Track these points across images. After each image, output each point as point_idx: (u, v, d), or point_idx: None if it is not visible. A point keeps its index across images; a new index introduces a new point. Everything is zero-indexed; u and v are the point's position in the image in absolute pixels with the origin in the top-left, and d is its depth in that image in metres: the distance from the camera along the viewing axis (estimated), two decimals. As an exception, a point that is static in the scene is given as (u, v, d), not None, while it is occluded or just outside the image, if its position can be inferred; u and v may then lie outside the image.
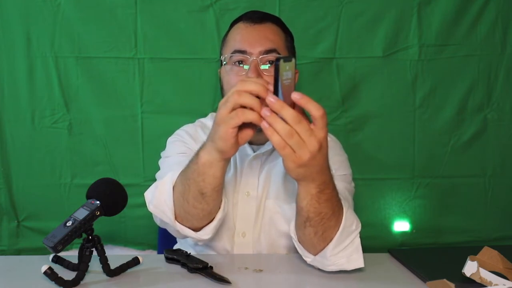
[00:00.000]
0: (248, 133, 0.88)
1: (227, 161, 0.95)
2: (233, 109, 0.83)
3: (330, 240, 0.95)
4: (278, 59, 0.78)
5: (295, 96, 0.78)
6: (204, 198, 0.98)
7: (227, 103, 0.84)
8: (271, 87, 0.80)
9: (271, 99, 0.78)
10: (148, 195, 1.08)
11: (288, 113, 0.78)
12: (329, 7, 1.68)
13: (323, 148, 0.82)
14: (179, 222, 1.03)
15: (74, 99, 1.68)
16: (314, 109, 0.79)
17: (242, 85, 0.83)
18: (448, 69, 1.73)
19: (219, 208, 1.04)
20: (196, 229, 1.04)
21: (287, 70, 0.78)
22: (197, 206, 0.99)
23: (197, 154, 0.96)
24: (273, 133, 0.79)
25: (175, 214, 1.03)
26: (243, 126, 0.86)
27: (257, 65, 1.16)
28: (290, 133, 0.79)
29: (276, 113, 0.79)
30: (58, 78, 1.66)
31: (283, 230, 1.16)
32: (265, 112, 0.79)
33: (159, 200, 1.04)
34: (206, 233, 1.04)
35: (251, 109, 0.82)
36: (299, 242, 1.01)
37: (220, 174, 0.95)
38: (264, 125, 0.80)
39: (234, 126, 0.85)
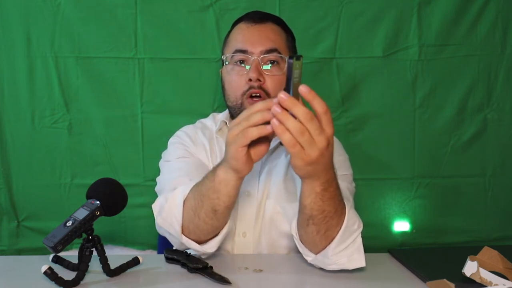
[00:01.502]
0: (261, 149, 0.88)
1: (242, 180, 0.95)
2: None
3: (332, 239, 0.96)
4: (291, 57, 0.77)
5: (303, 89, 0.77)
6: (216, 215, 0.99)
7: (238, 125, 0.84)
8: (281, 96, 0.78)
9: (282, 96, 0.77)
10: (156, 207, 1.08)
11: (300, 110, 0.77)
12: (329, 7, 1.68)
13: (330, 145, 0.82)
14: (185, 235, 1.04)
15: (74, 99, 1.67)
16: (319, 105, 0.79)
17: (252, 107, 0.83)
18: (448, 69, 1.72)
19: (226, 223, 1.05)
20: (201, 242, 1.05)
21: (297, 69, 0.78)
22: (208, 222, 1.00)
23: (214, 171, 0.95)
24: (284, 131, 0.78)
25: (182, 227, 1.03)
26: (255, 143, 0.86)
27: (258, 64, 1.17)
28: (301, 131, 0.78)
29: (287, 111, 0.78)
30: (58, 78, 1.66)
31: (284, 230, 1.16)
32: (275, 109, 0.78)
33: (169, 213, 1.04)
34: (211, 246, 1.05)
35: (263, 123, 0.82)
36: (301, 241, 1.01)
37: (234, 193, 0.96)
38: (274, 122, 0.78)
39: (243, 146, 0.85)
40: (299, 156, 0.81)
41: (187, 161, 1.22)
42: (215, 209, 0.97)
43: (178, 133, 1.32)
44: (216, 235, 1.05)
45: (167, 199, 1.06)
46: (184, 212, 1.02)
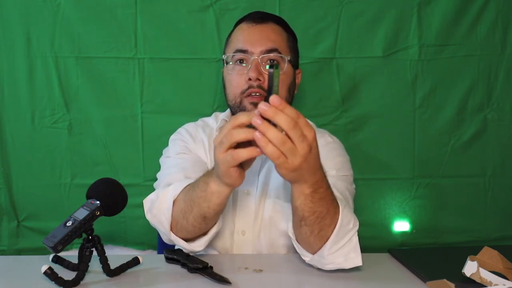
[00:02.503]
0: (251, 160, 0.87)
1: (233, 189, 0.95)
2: (229, 147, 0.82)
3: (327, 239, 0.96)
4: (271, 67, 0.76)
5: (274, 100, 0.75)
6: (205, 220, 1.00)
7: (222, 144, 0.82)
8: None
9: (263, 107, 0.76)
10: (147, 203, 1.10)
11: (282, 118, 0.76)
12: (329, 7, 1.68)
13: (313, 149, 0.81)
14: (174, 233, 1.05)
15: (74, 99, 1.67)
16: (291, 113, 0.77)
17: (234, 121, 0.81)
18: (448, 69, 1.72)
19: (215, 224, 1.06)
20: (189, 240, 1.06)
21: (277, 77, 0.78)
22: (196, 225, 1.01)
23: (206, 182, 0.95)
24: (267, 144, 0.77)
25: (171, 225, 1.04)
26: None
27: (258, 64, 1.18)
28: (283, 141, 0.77)
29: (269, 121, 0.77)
30: (58, 78, 1.66)
31: (283, 230, 1.17)
32: (256, 120, 0.76)
33: (158, 210, 1.05)
34: (199, 245, 1.06)
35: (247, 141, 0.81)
36: (297, 242, 1.01)
37: (226, 202, 0.97)
38: (257, 135, 0.77)
39: (233, 166, 0.84)
40: (282, 166, 0.80)
41: (185, 158, 1.23)
42: (204, 215, 0.98)
43: (179, 130, 1.35)
44: (205, 234, 1.06)
45: (158, 196, 1.07)
46: (173, 212, 1.03)
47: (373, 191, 1.74)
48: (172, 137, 1.33)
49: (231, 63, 1.23)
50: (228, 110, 1.31)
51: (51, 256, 1.00)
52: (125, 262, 0.98)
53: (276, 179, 1.22)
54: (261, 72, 1.18)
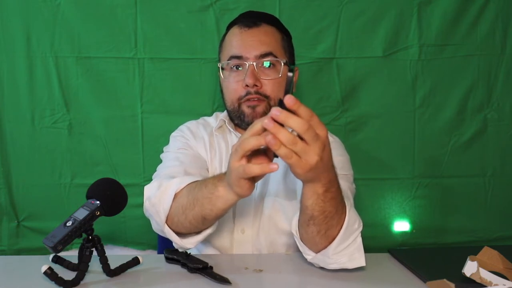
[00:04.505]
0: (261, 175, 0.87)
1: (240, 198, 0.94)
2: (243, 156, 0.82)
3: (333, 238, 0.95)
4: (290, 71, 0.77)
5: (289, 101, 0.75)
6: (204, 221, 1.00)
7: (236, 152, 0.82)
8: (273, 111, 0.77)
9: (276, 112, 0.75)
10: (148, 191, 1.09)
11: (295, 122, 0.76)
12: (329, 7, 1.68)
13: (326, 147, 0.82)
14: (168, 225, 1.04)
15: (74, 99, 1.68)
16: (304, 113, 0.77)
17: (250, 129, 0.81)
18: (448, 69, 1.72)
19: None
20: (182, 235, 1.06)
21: (292, 80, 0.78)
22: (194, 223, 1.01)
23: (215, 185, 0.94)
24: (279, 147, 0.77)
25: (167, 217, 1.04)
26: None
27: (254, 70, 1.19)
28: (293, 141, 0.77)
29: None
30: (58, 78, 1.66)
31: (283, 228, 1.17)
32: (267, 123, 0.76)
33: (158, 200, 1.05)
34: (190, 242, 1.06)
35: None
36: (301, 240, 1.01)
37: (229, 208, 0.97)
38: (269, 140, 0.76)
39: (244, 178, 0.84)
40: (298, 165, 0.80)
41: (185, 153, 1.24)
42: (205, 217, 0.98)
43: (181, 127, 1.35)
44: (198, 233, 1.06)
45: (160, 187, 1.06)
46: (172, 206, 1.02)
47: (373, 191, 1.74)
48: (173, 133, 1.33)
49: (226, 69, 1.24)
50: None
51: (51, 256, 1.00)
52: (125, 262, 0.98)
53: (275, 178, 1.22)
54: (258, 77, 1.19)
